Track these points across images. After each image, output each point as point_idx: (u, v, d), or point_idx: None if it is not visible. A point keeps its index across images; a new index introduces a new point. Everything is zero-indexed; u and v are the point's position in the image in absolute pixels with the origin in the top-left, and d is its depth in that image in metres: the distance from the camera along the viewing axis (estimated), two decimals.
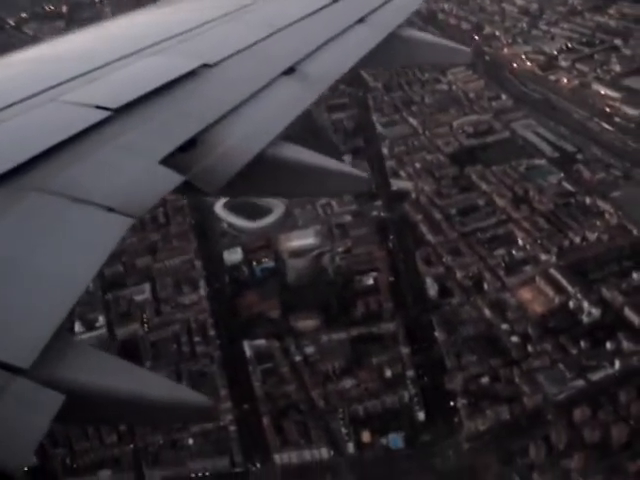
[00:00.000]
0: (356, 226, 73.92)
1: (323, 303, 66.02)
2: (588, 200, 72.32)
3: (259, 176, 5.21)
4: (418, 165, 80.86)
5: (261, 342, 62.62)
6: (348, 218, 75.91)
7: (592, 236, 68.11)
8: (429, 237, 71.13)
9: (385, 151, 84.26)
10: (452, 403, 55.87)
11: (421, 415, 55.00)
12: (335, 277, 69.16)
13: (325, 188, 6.31)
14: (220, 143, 4.89)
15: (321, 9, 7.39)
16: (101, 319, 67.23)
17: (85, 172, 4.25)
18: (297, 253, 72.53)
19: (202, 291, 68.89)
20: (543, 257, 66.59)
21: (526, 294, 63.58)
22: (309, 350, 61.78)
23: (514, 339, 59.21)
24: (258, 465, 54.00)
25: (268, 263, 72.25)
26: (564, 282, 63.25)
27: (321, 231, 74.69)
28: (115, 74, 5.56)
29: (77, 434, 57.58)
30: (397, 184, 79.19)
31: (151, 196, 4.23)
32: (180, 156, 4.61)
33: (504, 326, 60.48)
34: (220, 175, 4.63)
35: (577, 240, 68.08)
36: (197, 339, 64.04)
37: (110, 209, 3.95)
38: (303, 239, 73.48)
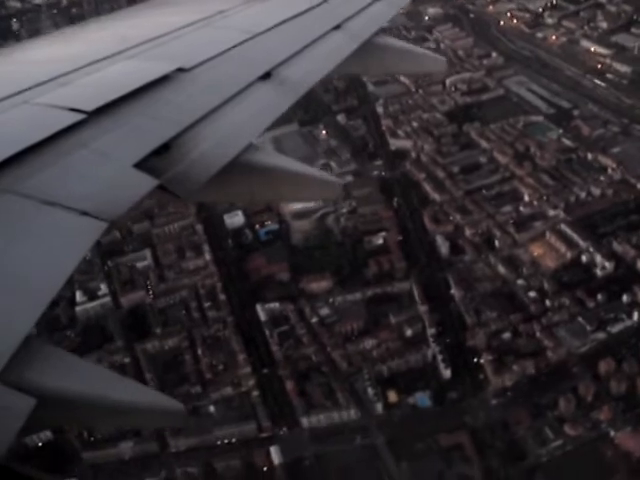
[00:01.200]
0: (358, 186, 72.04)
1: (334, 264, 64.42)
2: (590, 156, 72.10)
3: (233, 181, 5.21)
4: (415, 124, 79.36)
5: (275, 305, 60.77)
6: (349, 178, 73.92)
7: (597, 191, 68.00)
8: (434, 195, 69.92)
9: (380, 110, 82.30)
10: (476, 360, 55.19)
11: (446, 373, 54.19)
12: (343, 238, 67.49)
13: (300, 194, 6.25)
14: (195, 148, 4.82)
15: (298, 15, 7.30)
16: (103, 287, 64.27)
17: (58, 175, 4.17)
18: (300, 215, 70.45)
19: (207, 256, 66.39)
20: (551, 213, 66.19)
21: (538, 250, 63.16)
22: (324, 312, 60.25)
23: (531, 294, 58.77)
24: (285, 429, 52.33)
25: (272, 226, 70.07)
26: (575, 237, 63.02)
27: None
28: (89, 77, 5.44)
29: None
30: (396, 143, 77.52)
31: (125, 200, 4.13)
32: (154, 160, 4.51)
33: (520, 282, 59.98)
34: (194, 180, 4.56)
35: (583, 195, 67.88)
36: (207, 304, 61.78)
37: (83, 213, 3.87)
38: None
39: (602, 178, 69.24)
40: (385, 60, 7.92)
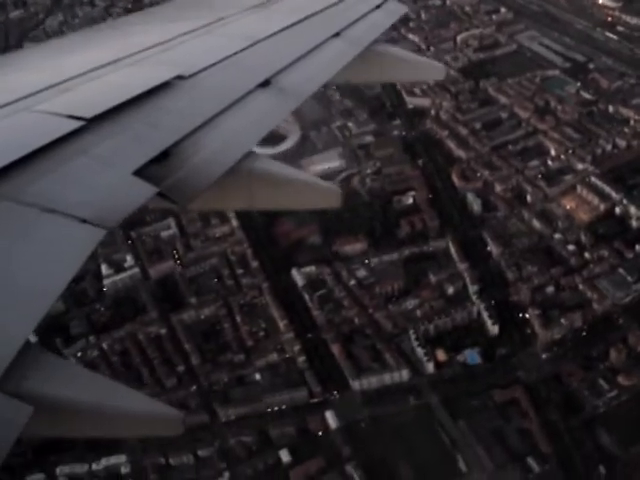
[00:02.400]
0: (380, 147, 70.36)
1: (365, 226, 62.86)
2: (611, 108, 71.13)
3: (232, 189, 5.19)
4: (431, 81, 77.24)
5: (310, 269, 59.11)
6: (369, 139, 72.18)
7: (622, 143, 67.21)
8: (459, 153, 68.48)
9: None
10: (521, 315, 54.35)
11: (493, 329, 53.26)
12: (371, 199, 65.82)
13: (299, 201, 6.02)
14: (194, 155, 4.77)
15: (297, 23, 7.27)
16: (129, 259, 61.87)
17: (58, 182, 4.13)
18: (323, 177, 68.13)
19: (234, 222, 64.20)
20: (579, 166, 65.24)
21: (570, 203, 62.27)
22: (361, 274, 58.84)
23: (570, 248, 57.94)
24: (336, 394, 51.06)
25: None
26: (607, 189, 62.17)
27: (344, 153, 70.81)
28: (91, 84, 5.42)
29: (133, 380, 53.28)
30: (413, 102, 75.70)
31: (124, 207, 4.09)
32: (154, 167, 4.46)
33: (557, 236, 59.08)
34: (193, 187, 4.51)
35: (609, 148, 67.03)
36: (240, 271, 59.88)
37: (83, 220, 3.84)
38: (327, 162, 69.48)
39: (626, 130, 68.42)
40: (384, 68, 7.87)
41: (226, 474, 47.09)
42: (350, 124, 73.87)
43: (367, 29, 7.61)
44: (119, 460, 48.12)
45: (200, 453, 48.43)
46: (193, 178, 4.58)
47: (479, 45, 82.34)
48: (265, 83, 5.90)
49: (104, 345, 55.45)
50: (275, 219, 65.39)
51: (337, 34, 7.22)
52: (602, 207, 61.24)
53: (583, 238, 58.66)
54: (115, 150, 4.60)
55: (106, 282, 59.94)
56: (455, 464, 46.64)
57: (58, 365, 3.54)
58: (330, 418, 48.85)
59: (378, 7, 8.18)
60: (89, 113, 4.74)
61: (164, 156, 4.61)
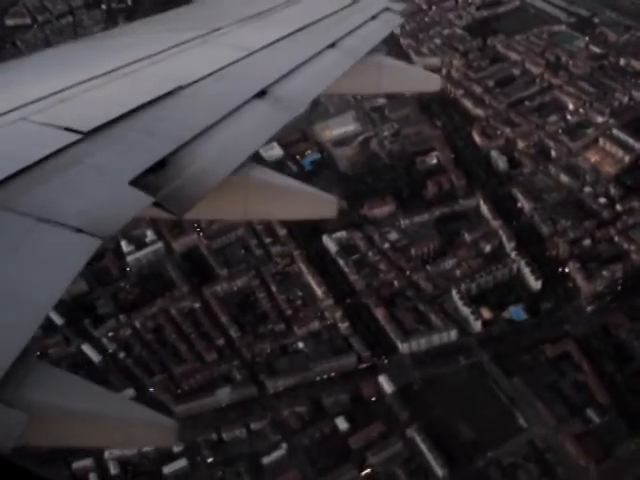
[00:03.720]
0: (396, 108, 68.73)
1: (390, 188, 61.48)
2: (622, 61, 70.69)
3: (228, 198, 5.24)
4: (438, 41, 75.95)
5: (341, 234, 57.59)
6: (382, 101, 70.42)
7: (638, 95, 66.80)
8: (477, 111, 67.38)
9: (396, 30, 78.32)
10: (560, 269, 53.88)
11: (536, 284, 52.66)
12: (392, 161, 64.39)
13: (295, 211, 6.13)
14: (190, 165, 4.74)
15: (293, 33, 7.27)
16: (149, 234, 59.36)
17: (53, 192, 4.11)
18: (340, 142, 66.86)
19: None
20: (599, 119, 64.73)
21: (594, 156, 61.81)
22: (393, 236, 57.61)
23: (601, 200, 57.58)
24: (384, 358, 50.00)
25: (313, 155, 66.25)
26: (630, 140, 61.86)
27: (358, 116, 69.05)
28: (86, 95, 5.37)
29: (170, 357, 51.43)
30: (422, 62, 73.89)
31: (120, 217, 4.08)
32: (150, 177, 4.42)
33: (587, 189, 58.63)
34: (189, 197, 4.49)
35: (625, 100, 66.61)
36: (268, 240, 58.02)
37: (78, 230, 3.82)
38: (343, 126, 67.66)
39: None
40: (380, 78, 7.87)
41: (283, 445, 45.69)
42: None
43: (363, 40, 7.61)
44: None
45: (253, 426, 46.92)
46: (189, 188, 4.56)
47: (481, 2, 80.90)
48: (261, 93, 5.89)
49: (137, 323, 53.29)
50: None
51: (333, 45, 7.19)
52: (627, 159, 60.95)
53: (612, 190, 58.29)
54: (111, 160, 4.57)
55: (130, 259, 57.51)
56: (515, 421, 46.17)
57: (54, 375, 3.49)
58: (384, 382, 47.79)
59: (374, 17, 8.15)
60: (85, 126, 4.72)
61: (160, 166, 4.57)
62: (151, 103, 5.30)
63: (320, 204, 5.91)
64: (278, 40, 7.04)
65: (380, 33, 7.98)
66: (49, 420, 3.32)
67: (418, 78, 8.70)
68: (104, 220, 3.98)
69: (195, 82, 5.82)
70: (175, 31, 7.57)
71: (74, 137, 4.61)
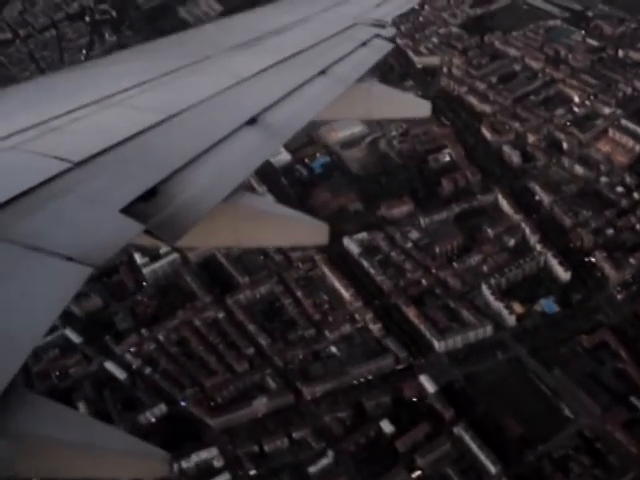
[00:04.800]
0: None
1: (404, 188, 61.57)
2: (620, 53, 72.20)
3: (220, 226, 5.31)
4: (435, 40, 76.68)
5: (362, 235, 57.36)
6: None
7: None
8: (483, 107, 68.02)
9: None
10: (586, 259, 54.42)
11: (565, 275, 53.04)
12: (404, 161, 64.52)
13: (287, 238, 6.22)
14: (181, 193, 4.76)
15: (283, 61, 7.37)
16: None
17: (44, 220, 4.11)
18: (349, 143, 66.82)
19: (268, 197, 61.56)
20: (606, 110, 65.86)
21: (605, 147, 62.81)
22: (414, 235, 57.59)
23: (619, 189, 58.46)
24: (420, 358, 49.75)
25: (322, 158, 66.06)
26: (639, 130, 62.98)
27: None
28: (76, 124, 5.43)
29: (199, 369, 50.40)
30: (422, 61, 74.74)
31: (111, 245, 4.07)
32: (141, 205, 4.44)
33: (603, 179, 59.47)
34: (181, 225, 4.49)
35: (629, 91, 67.94)
36: None
37: (69, 258, 3.79)
38: (349, 128, 67.53)
39: None
40: (370, 105, 8.03)
41: (329, 453, 44.97)
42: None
43: (353, 66, 7.66)
44: (210, 454, 45.26)
45: (294, 435, 46.14)
46: (180, 216, 4.56)
47: (473, 0, 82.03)
48: (252, 121, 5.92)
49: (160, 337, 52.17)
50: (311, 190, 63.41)
51: (323, 72, 7.25)
52: (638, 148, 62.06)
53: (628, 179, 59.25)
54: (102, 188, 4.59)
55: (146, 271, 56.40)
56: (561, 412, 46.22)
57: (43, 405, 3.46)
58: (426, 382, 47.46)
59: (364, 44, 8.26)
60: (76, 155, 4.76)
61: (151, 194, 4.59)
62: (142, 132, 5.34)
63: (312, 231, 5.86)
64: (268, 67, 7.12)
65: (370, 60, 8.07)
66: (38, 451, 3.32)
67: (409, 104, 8.82)
68: (95, 248, 3.99)
69: (185, 110, 5.86)
70: (165, 59, 7.70)
71: (65, 166, 4.65)
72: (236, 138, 5.67)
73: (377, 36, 8.55)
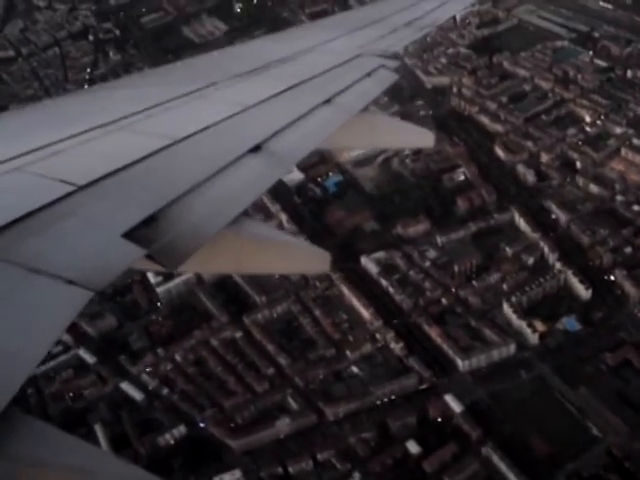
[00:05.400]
0: None
1: (419, 207, 61.96)
2: (629, 73, 73.53)
3: (221, 252, 5.37)
4: (443, 60, 77.71)
5: (380, 254, 57.53)
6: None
7: None
8: (496, 127, 68.83)
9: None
10: (605, 277, 54.87)
11: (586, 294, 53.39)
12: (418, 180, 65.00)
13: (288, 265, 6.26)
14: (183, 218, 4.86)
15: (288, 89, 7.50)
16: None
17: (46, 244, 4.17)
18: (361, 162, 67.21)
19: (282, 216, 61.81)
20: (617, 130, 66.85)
21: (618, 166, 63.63)
22: (432, 254, 57.82)
23: (635, 208, 59.16)
24: (443, 377, 49.71)
25: (335, 177, 66.39)
26: None
27: None
28: (81, 148, 5.52)
29: (218, 389, 50.03)
30: (432, 81, 75.63)
31: (112, 269, 4.14)
32: (143, 230, 4.53)
33: (619, 198, 60.19)
34: (182, 251, 4.56)
35: (639, 110, 69.03)
36: None
37: (70, 281, 3.85)
38: None
39: None
40: (374, 134, 8.19)
41: (356, 475, 44.64)
42: (372, 107, 72.48)
43: (357, 96, 7.80)
44: (234, 476, 44.78)
45: (319, 457, 45.78)
46: (181, 241, 4.62)
47: (480, 22, 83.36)
48: (256, 148, 6.00)
49: (177, 357, 51.79)
50: (325, 208, 63.67)
51: (328, 101, 7.41)
52: None
53: None
54: (104, 212, 4.66)
55: (160, 290, 56.12)
56: (588, 431, 46.23)
57: (40, 429, 3.43)
58: (452, 402, 47.37)
59: (369, 75, 8.37)
60: (80, 179, 4.82)
61: (153, 219, 4.66)
62: (146, 157, 5.39)
63: (314, 259, 6.01)
64: (273, 96, 7.23)
65: (375, 90, 8.19)
66: (34, 475, 3.31)
67: (412, 135, 8.85)
68: (96, 272, 4.03)
69: (190, 136, 5.94)
70: (171, 84, 7.82)
71: (68, 189, 4.70)
72: (240, 165, 5.71)
73: (382, 67, 8.68)
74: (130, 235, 4.42)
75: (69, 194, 4.67)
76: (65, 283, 3.84)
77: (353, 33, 10.09)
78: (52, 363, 52.37)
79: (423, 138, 8.99)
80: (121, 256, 4.30)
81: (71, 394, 50.94)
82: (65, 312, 3.73)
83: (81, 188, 4.77)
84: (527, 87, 73.36)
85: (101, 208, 4.71)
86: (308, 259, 5.98)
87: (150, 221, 4.65)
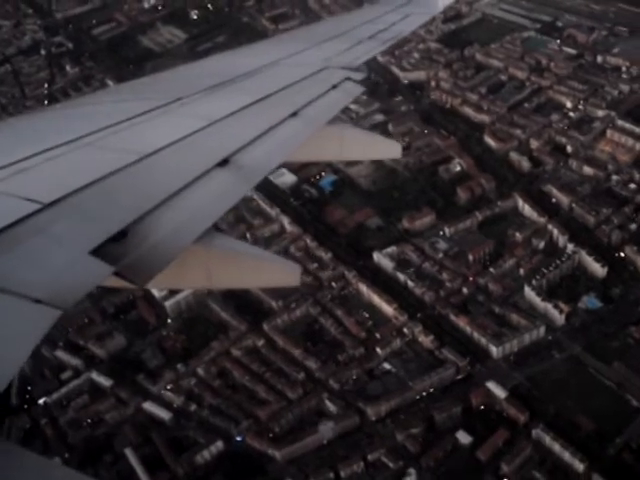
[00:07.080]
0: (398, 123, 70.60)
1: (419, 200, 62.73)
2: (599, 58, 76.81)
3: (191, 267, 5.50)
4: (416, 55, 79.17)
5: (392, 249, 57.75)
6: (380, 117, 72.20)
7: (625, 88, 72.65)
8: (481, 117, 70.47)
9: None
10: (617, 254, 56.85)
11: (602, 271, 55.09)
12: (413, 174, 65.74)
13: (259, 279, 6.47)
14: (152, 234, 4.94)
15: (255, 103, 7.69)
16: None
17: (12, 263, 4.18)
18: (353, 160, 67.35)
19: (283, 219, 61.21)
20: (599, 113, 69.61)
21: (607, 147, 66.21)
22: (442, 245, 58.48)
23: (631, 186, 61.62)
24: (479, 366, 50.22)
25: (329, 176, 66.34)
26: (636, 129, 66.88)
27: None
28: (45, 166, 5.57)
29: (249, 399, 48.88)
30: (407, 76, 76.84)
31: (80, 287, 4.22)
32: (111, 247, 4.62)
33: (615, 177, 62.59)
34: (151, 267, 4.68)
35: (615, 93, 72.15)
36: (314, 265, 56.95)
37: (37, 300, 3.91)
38: None
39: (624, 76, 74.10)
40: (342, 146, 8.39)
41: (411, 471, 44.38)
42: (353, 107, 73.19)
43: (324, 108, 7.97)
44: None
45: (369, 457, 45.30)
46: (150, 258, 4.70)
47: (444, 17, 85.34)
48: (223, 162, 6.10)
49: (199, 370, 50.33)
50: (324, 208, 63.49)
51: (294, 114, 7.55)
52: (638, 146, 65.80)
53: (637, 176, 62.60)
54: (71, 229, 4.67)
55: (169, 304, 54.46)
56: (628, 403, 47.61)
57: (20, 456, 3.41)
58: (495, 388, 47.84)
59: (335, 87, 8.57)
60: (46, 196, 4.84)
61: (121, 235, 4.74)
62: (113, 173, 5.48)
63: (284, 272, 6.03)
64: (240, 109, 7.37)
65: (341, 102, 8.37)
66: None
67: (379, 146, 9.08)
68: (64, 290, 4.05)
69: (157, 151, 6.02)
70: (138, 100, 7.97)
71: (34, 207, 4.73)
72: (208, 179, 5.74)
73: (347, 79, 8.81)
74: (98, 252, 4.39)
75: (35, 212, 4.62)
76: (32, 302, 3.81)
77: (319, 46, 10.24)
78: (64, 390, 50.20)
79: (391, 149, 9.15)
80: (89, 274, 4.27)
81: (89, 420, 48.67)
82: (33, 332, 3.66)
83: (47, 206, 4.73)
84: (503, 77, 75.61)
85: (68, 226, 4.66)
86: (279, 273, 5.90)
87: (119, 237, 4.65)
